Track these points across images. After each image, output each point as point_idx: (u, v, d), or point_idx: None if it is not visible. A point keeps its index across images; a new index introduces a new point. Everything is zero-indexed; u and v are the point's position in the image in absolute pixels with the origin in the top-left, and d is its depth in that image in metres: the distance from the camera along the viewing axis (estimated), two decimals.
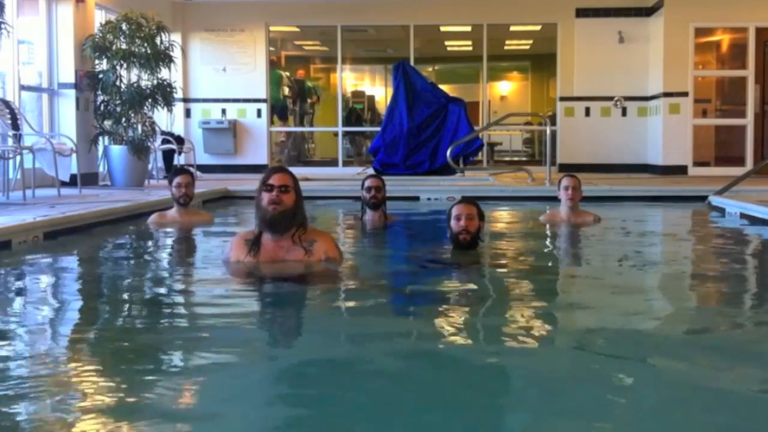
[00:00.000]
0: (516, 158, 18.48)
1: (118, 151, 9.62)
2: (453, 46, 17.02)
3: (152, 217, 6.30)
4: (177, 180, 6.17)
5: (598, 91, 12.85)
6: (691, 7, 11.83)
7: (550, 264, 5.01)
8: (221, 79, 13.23)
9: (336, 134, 14.21)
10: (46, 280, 4.30)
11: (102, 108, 9.65)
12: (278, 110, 14.50)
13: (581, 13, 12.86)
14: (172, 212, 6.26)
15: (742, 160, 11.82)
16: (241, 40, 13.23)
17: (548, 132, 11.18)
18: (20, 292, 3.97)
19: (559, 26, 13.07)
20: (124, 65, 9.58)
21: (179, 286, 4.22)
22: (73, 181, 8.74)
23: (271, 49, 13.98)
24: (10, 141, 8.34)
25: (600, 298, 3.72)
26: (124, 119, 9.61)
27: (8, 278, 4.28)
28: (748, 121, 11.99)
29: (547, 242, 6.01)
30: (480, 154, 12.92)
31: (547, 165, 10.36)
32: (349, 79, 18.48)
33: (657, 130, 12.30)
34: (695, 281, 4.35)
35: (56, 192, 8.05)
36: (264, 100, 13.33)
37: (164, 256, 5.51)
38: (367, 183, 6.01)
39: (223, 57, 13.22)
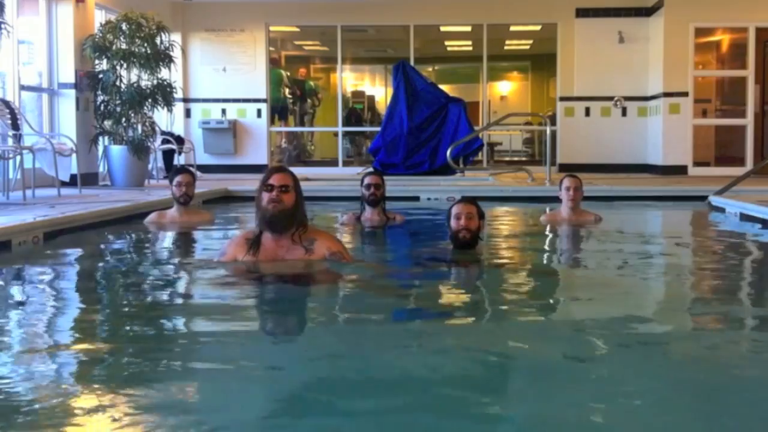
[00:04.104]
0: (516, 158, 18.48)
1: (118, 151, 9.62)
2: (453, 46, 17.02)
3: (151, 216, 6.30)
4: (178, 179, 6.17)
5: (598, 91, 12.85)
6: (691, 7, 11.83)
7: (550, 263, 5.01)
8: (221, 79, 13.23)
9: (336, 134, 14.22)
10: (46, 280, 4.30)
11: (102, 108, 9.65)
12: (278, 110, 14.49)
13: (581, 13, 12.87)
14: (172, 211, 6.26)
15: (742, 160, 11.83)
16: (241, 40, 13.23)
17: (548, 132, 11.17)
18: (20, 292, 3.97)
19: (559, 26, 13.07)
20: (124, 65, 9.58)
21: (179, 286, 4.22)
22: (73, 181, 8.74)
23: (271, 49, 13.98)
24: (10, 141, 8.34)
25: (600, 298, 3.72)
26: (124, 119, 9.61)
27: (8, 278, 4.27)
28: (748, 121, 11.99)
29: (548, 242, 6.00)
30: (480, 154, 12.93)
31: (547, 165, 10.36)
32: (349, 79, 18.48)
33: (657, 130, 12.30)
34: (695, 281, 4.35)
35: (56, 192, 8.04)
36: (264, 100, 13.33)
37: (164, 255, 5.51)
38: (367, 180, 6.02)
39: (223, 57, 13.22)
